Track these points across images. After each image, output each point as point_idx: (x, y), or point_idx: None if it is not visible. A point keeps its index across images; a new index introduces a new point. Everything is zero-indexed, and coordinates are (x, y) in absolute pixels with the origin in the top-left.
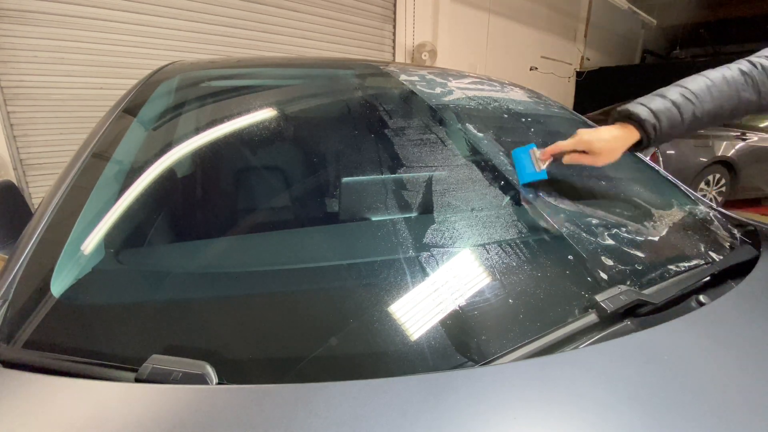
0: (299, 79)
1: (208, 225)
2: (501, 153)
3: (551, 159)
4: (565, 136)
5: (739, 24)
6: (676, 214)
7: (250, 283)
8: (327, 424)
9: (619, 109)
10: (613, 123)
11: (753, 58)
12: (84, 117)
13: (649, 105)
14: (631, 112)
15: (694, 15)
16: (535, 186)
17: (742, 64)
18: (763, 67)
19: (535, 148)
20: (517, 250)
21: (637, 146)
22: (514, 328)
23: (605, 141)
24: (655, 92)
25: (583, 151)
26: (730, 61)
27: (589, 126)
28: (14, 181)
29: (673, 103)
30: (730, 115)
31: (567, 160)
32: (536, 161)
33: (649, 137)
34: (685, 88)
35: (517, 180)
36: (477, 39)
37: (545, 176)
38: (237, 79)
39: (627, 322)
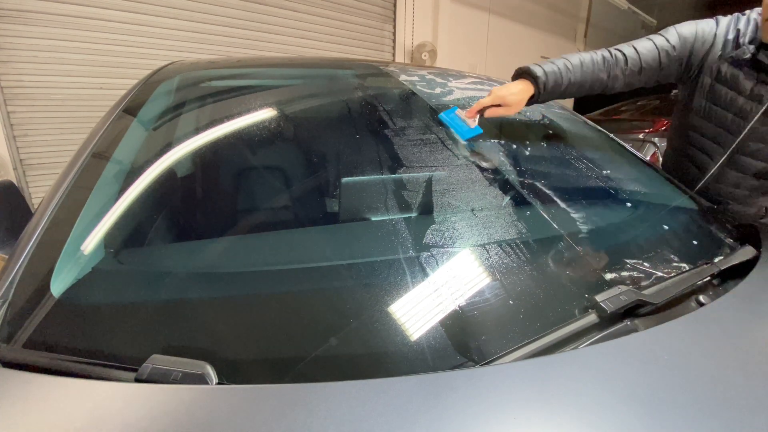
0: (299, 79)
1: (207, 225)
2: (501, 153)
3: (477, 116)
4: (566, 135)
5: None
6: (676, 214)
7: (250, 284)
8: (327, 424)
9: (520, 67)
10: (513, 80)
11: (613, 48)
12: (84, 117)
13: (543, 67)
14: (531, 70)
15: (694, 15)
16: (534, 185)
17: (605, 52)
18: (616, 57)
19: (459, 110)
20: (517, 251)
21: (532, 99)
22: (514, 329)
23: (515, 94)
24: (547, 60)
25: (498, 105)
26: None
27: (590, 126)
28: (14, 181)
29: (558, 68)
30: (590, 88)
31: (488, 114)
32: (466, 120)
33: (539, 92)
34: (567, 60)
35: (458, 139)
36: (477, 39)
37: (480, 131)
38: (237, 79)
39: (627, 322)
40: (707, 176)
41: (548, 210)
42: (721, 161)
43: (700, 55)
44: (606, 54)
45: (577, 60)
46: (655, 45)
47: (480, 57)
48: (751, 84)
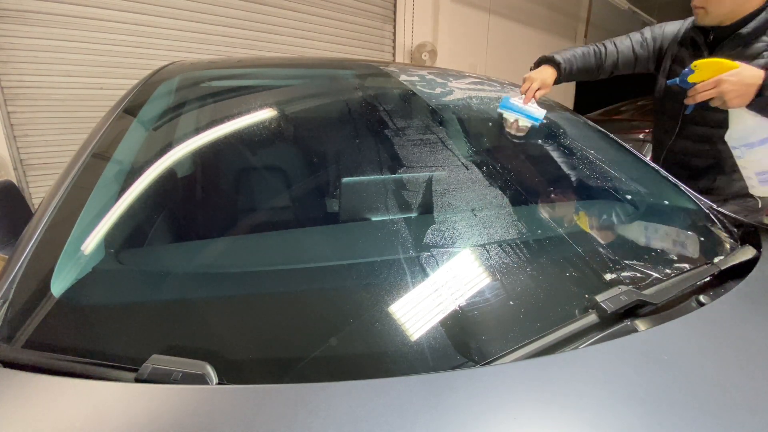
0: (299, 79)
1: (208, 225)
2: (502, 153)
3: (533, 99)
4: (566, 135)
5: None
6: (676, 214)
7: (250, 283)
8: (327, 424)
9: (543, 56)
10: (537, 66)
11: (600, 43)
12: (84, 117)
13: (561, 56)
14: (554, 58)
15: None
16: (535, 186)
17: (596, 45)
18: (603, 49)
19: (512, 99)
20: (518, 251)
21: (555, 81)
22: (514, 329)
23: (550, 77)
24: (560, 51)
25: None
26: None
27: (590, 126)
28: (14, 181)
29: (569, 57)
30: (588, 73)
31: (537, 95)
32: (528, 107)
33: (561, 76)
34: (575, 51)
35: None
36: (477, 39)
37: (545, 111)
38: (237, 79)
39: (627, 322)
40: (675, 144)
41: (548, 210)
42: (677, 130)
43: (666, 44)
44: (596, 47)
45: (580, 51)
46: (631, 40)
47: (480, 57)
48: (692, 58)
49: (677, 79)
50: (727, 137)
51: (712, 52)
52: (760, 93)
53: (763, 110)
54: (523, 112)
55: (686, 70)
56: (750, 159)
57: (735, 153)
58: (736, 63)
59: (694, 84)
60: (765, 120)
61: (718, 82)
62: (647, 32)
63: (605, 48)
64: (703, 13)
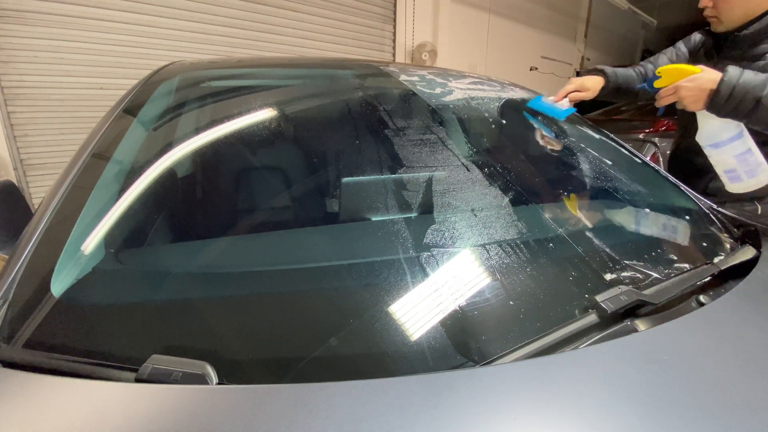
0: (299, 79)
1: (208, 225)
2: (502, 153)
3: (565, 99)
4: (566, 136)
5: None
6: (676, 214)
7: (250, 284)
8: (327, 424)
9: (594, 66)
10: (586, 74)
11: (644, 63)
12: (84, 117)
13: (609, 68)
14: (603, 68)
15: (694, 15)
16: (535, 186)
17: (637, 68)
18: (645, 69)
19: (544, 97)
20: (518, 251)
21: (601, 90)
22: (514, 329)
23: (594, 82)
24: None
25: (577, 90)
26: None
27: (590, 126)
28: (14, 181)
29: (618, 73)
30: (633, 95)
31: (571, 97)
32: (556, 104)
33: (608, 85)
34: (621, 70)
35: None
36: (477, 39)
37: (575, 110)
38: (237, 79)
39: (627, 322)
40: (682, 143)
41: (548, 210)
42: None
43: (695, 49)
44: (636, 67)
45: (622, 69)
46: (660, 57)
47: (480, 57)
48: (706, 60)
49: (645, 85)
50: (697, 138)
51: (720, 53)
52: (714, 97)
53: (719, 112)
54: (548, 110)
55: (651, 76)
56: (718, 159)
57: (705, 152)
58: (698, 68)
59: (660, 89)
60: (729, 121)
61: (676, 88)
62: (680, 43)
63: (642, 67)
64: (717, 21)
